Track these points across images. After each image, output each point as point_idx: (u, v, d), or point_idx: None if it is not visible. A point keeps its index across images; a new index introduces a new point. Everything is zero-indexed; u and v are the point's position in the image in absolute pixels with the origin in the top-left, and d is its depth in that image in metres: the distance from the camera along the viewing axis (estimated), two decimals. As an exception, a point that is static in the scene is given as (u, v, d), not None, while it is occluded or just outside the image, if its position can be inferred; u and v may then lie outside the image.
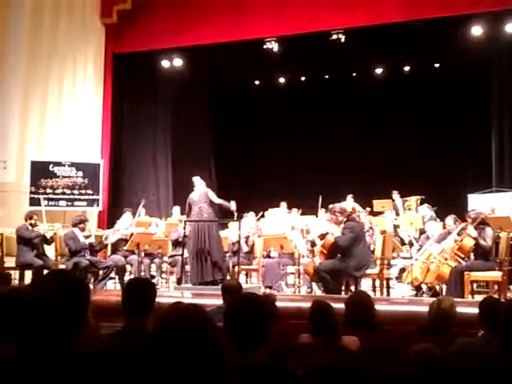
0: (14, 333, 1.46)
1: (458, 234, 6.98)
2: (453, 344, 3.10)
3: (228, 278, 7.72)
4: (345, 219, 6.90)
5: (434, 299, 3.90)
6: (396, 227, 9.52)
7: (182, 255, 7.67)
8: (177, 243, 8.49)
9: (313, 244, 7.97)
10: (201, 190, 7.76)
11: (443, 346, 2.94)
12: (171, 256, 8.66)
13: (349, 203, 10.02)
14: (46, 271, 7.37)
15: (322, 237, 7.19)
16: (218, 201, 7.75)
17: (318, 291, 7.52)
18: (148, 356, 1.28)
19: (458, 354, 2.82)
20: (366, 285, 7.62)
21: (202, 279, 7.29)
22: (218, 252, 7.52)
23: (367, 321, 3.65)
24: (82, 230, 7.96)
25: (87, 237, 7.97)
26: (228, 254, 8.31)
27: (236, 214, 8.23)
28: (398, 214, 11.00)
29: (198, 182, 7.91)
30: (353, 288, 6.67)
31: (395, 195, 11.73)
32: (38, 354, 1.43)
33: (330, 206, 7.41)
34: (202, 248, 7.39)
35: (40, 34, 10.52)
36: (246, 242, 8.62)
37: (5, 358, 1.46)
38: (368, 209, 10.63)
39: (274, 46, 10.84)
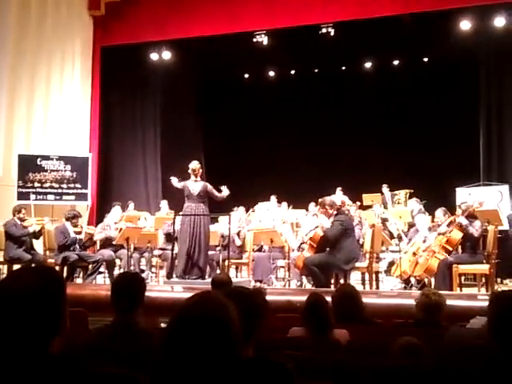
0: None
1: (447, 226, 7.03)
2: (442, 336, 3.12)
3: (218, 271, 7.71)
4: (335, 212, 6.92)
5: (420, 292, 3.93)
6: (384, 220, 9.57)
7: (172, 250, 7.64)
8: (169, 237, 8.40)
9: (302, 243, 7.96)
10: (201, 184, 7.26)
11: (432, 338, 2.96)
12: (161, 249, 8.64)
13: (338, 196, 10.06)
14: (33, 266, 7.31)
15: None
16: (218, 195, 7.33)
17: (307, 285, 7.55)
18: (166, 346, 1.27)
19: (448, 346, 2.84)
20: (355, 278, 7.65)
21: (191, 275, 7.19)
22: (205, 253, 7.33)
23: (355, 314, 3.67)
24: (74, 225, 7.91)
25: (78, 233, 7.91)
26: (218, 248, 8.30)
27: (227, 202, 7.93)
28: (386, 208, 11.06)
29: (193, 169, 7.29)
30: (342, 281, 6.70)
31: (385, 189, 11.80)
32: (18, 351, 1.40)
33: (320, 199, 7.41)
34: (195, 245, 7.24)
35: (27, 27, 10.39)
36: (238, 235, 8.62)
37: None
38: (358, 203, 10.67)
39: (263, 39, 10.81)
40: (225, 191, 7.44)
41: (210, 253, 7.76)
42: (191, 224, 7.23)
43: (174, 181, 7.42)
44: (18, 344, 1.41)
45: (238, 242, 8.56)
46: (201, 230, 7.23)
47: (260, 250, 8.75)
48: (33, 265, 7.07)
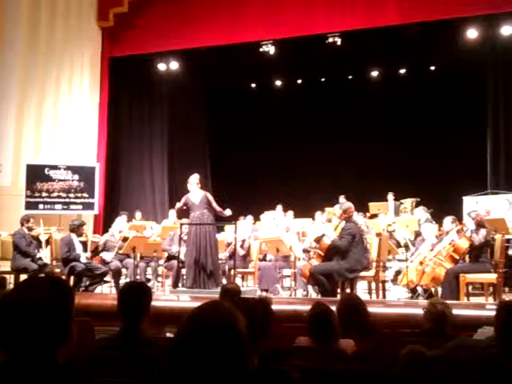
0: (2, 338, 1.44)
1: (457, 234, 7.00)
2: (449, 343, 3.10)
3: (224, 281, 7.70)
4: (343, 221, 6.90)
5: (427, 301, 3.91)
6: (391, 232, 9.54)
7: (177, 258, 7.64)
8: (170, 256, 8.36)
9: (306, 250, 7.95)
10: (201, 193, 7.41)
11: (437, 347, 2.94)
12: (167, 259, 8.64)
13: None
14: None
15: (318, 240, 7.19)
16: (217, 208, 7.40)
17: (313, 294, 7.52)
18: (173, 353, 1.28)
19: (453, 356, 2.82)
20: (361, 287, 7.63)
21: (198, 287, 7.18)
22: (215, 261, 7.34)
23: (360, 324, 3.64)
24: (80, 235, 7.93)
25: (83, 242, 7.92)
26: (224, 258, 8.30)
27: (231, 219, 8.02)
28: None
29: (196, 182, 7.45)
30: (348, 290, 6.68)
31: (390, 196, 11.78)
32: (26, 360, 1.41)
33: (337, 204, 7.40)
34: (201, 256, 7.24)
35: (36, 38, 10.51)
36: (242, 245, 8.62)
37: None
38: (368, 214, 10.68)
39: (270, 49, 10.88)
40: (227, 211, 7.47)
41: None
42: (197, 233, 7.28)
43: (177, 205, 7.62)
44: (27, 352, 1.42)
45: (241, 252, 8.55)
46: (207, 239, 7.25)
47: (264, 259, 8.74)
48: (41, 275, 7.08)
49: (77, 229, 7.92)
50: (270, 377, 1.53)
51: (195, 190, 7.45)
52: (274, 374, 1.53)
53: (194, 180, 7.47)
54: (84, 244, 7.97)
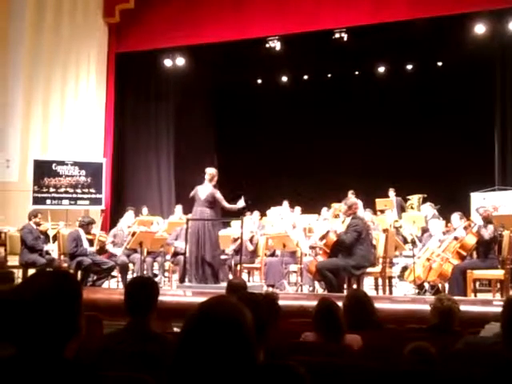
0: (10, 333, 1.45)
1: (464, 230, 6.99)
2: (454, 341, 3.10)
3: (230, 276, 7.72)
4: (349, 217, 6.89)
5: (435, 297, 3.90)
6: (398, 226, 9.53)
7: (184, 254, 7.66)
8: (176, 254, 8.37)
9: (312, 247, 7.95)
10: (209, 189, 7.30)
11: (446, 344, 2.94)
12: (174, 254, 8.67)
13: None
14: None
15: (323, 238, 7.18)
16: (227, 206, 7.30)
17: (319, 289, 7.53)
18: (180, 347, 1.29)
19: (459, 353, 2.82)
20: (368, 283, 7.62)
21: (199, 282, 7.20)
22: (215, 257, 7.30)
23: (366, 319, 3.65)
24: (87, 232, 7.96)
25: (90, 240, 7.96)
26: (230, 253, 8.31)
27: (246, 208, 7.75)
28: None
29: (208, 178, 7.31)
30: (355, 286, 6.68)
31: (391, 192, 11.74)
32: (33, 355, 1.42)
33: (344, 200, 7.39)
34: (200, 252, 7.21)
35: (43, 33, 10.55)
36: (251, 240, 8.63)
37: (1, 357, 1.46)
38: (379, 213, 10.65)
39: (276, 45, 10.85)
40: (239, 203, 7.36)
41: (222, 257, 7.79)
42: (196, 229, 7.27)
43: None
44: (35, 347, 1.43)
45: (250, 248, 8.57)
46: (206, 235, 7.23)
47: (273, 254, 8.76)
48: (49, 269, 7.12)
49: (86, 226, 7.98)
50: (276, 372, 1.53)
51: (205, 184, 7.36)
52: (279, 369, 1.53)
53: (208, 173, 7.36)
54: (91, 242, 8.00)
